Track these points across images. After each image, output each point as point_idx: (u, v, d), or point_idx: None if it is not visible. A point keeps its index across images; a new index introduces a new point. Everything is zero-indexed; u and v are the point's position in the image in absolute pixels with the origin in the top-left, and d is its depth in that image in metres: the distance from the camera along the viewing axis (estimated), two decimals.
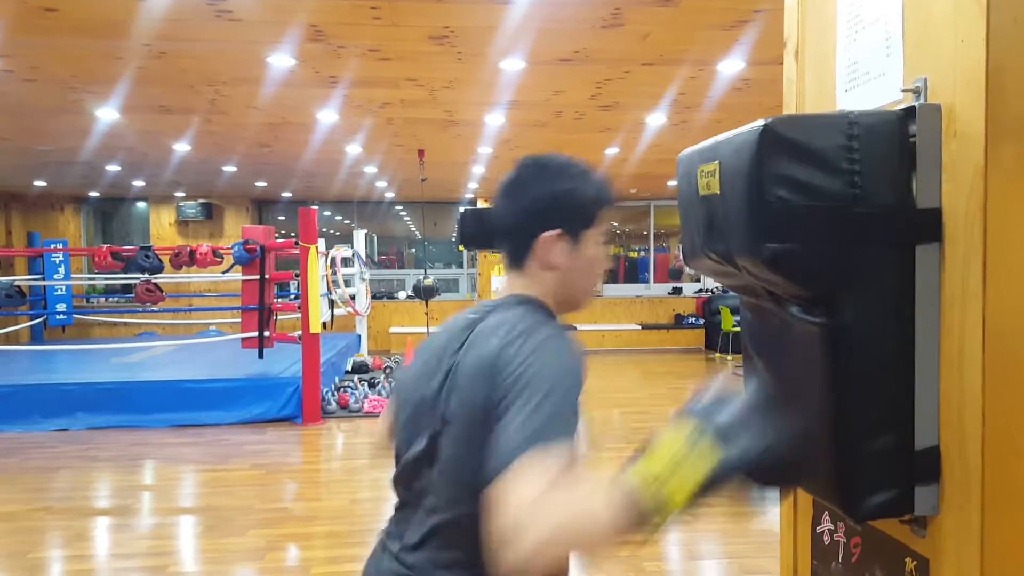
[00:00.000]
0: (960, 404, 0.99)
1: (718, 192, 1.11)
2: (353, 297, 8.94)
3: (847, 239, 1.00)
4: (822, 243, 1.00)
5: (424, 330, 9.11)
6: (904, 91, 1.08)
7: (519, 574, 0.82)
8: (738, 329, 9.99)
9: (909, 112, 1.04)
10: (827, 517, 1.32)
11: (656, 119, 5.86)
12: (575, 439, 0.93)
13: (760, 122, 1.00)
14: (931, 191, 1.02)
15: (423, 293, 8.14)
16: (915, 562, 1.08)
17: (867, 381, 1.02)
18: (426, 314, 8.44)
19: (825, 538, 1.33)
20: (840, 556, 1.27)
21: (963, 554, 0.99)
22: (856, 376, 1.02)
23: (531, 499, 0.83)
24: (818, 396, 1.05)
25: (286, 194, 11.31)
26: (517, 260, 1.17)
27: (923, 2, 1.06)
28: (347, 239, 10.83)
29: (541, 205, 1.14)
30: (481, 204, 11.55)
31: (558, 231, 1.13)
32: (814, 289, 1.03)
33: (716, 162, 1.11)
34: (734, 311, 10.14)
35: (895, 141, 1.02)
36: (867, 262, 1.01)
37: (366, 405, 6.95)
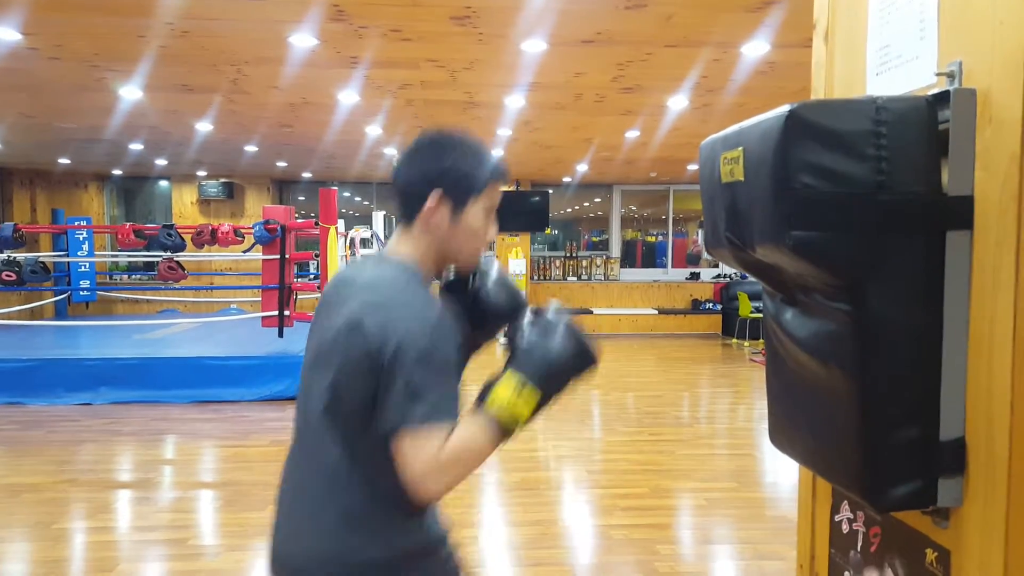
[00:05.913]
0: (988, 395, 0.97)
1: (742, 179, 1.10)
2: None
3: (873, 226, 0.98)
4: (848, 230, 0.98)
5: None
6: (938, 75, 1.06)
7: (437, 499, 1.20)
8: (756, 315, 9.92)
9: (939, 97, 1.01)
10: (846, 506, 1.32)
11: (678, 102, 5.79)
12: (450, 394, 1.19)
13: (785, 107, 0.98)
14: (963, 178, 1.00)
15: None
16: (936, 553, 1.07)
17: (893, 370, 1.01)
18: None
19: (844, 526, 1.32)
20: (859, 545, 1.27)
21: (986, 546, 0.98)
22: (882, 365, 1.00)
23: (434, 452, 1.14)
24: (843, 385, 1.04)
25: (307, 175, 11.34)
26: (406, 220, 1.30)
27: None
28: (366, 220, 10.86)
29: (433, 172, 1.26)
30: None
31: (441, 195, 1.25)
32: (840, 277, 1.01)
33: (740, 148, 1.10)
34: (752, 297, 10.06)
35: (924, 127, 0.99)
36: (894, 250, 0.99)
37: None
